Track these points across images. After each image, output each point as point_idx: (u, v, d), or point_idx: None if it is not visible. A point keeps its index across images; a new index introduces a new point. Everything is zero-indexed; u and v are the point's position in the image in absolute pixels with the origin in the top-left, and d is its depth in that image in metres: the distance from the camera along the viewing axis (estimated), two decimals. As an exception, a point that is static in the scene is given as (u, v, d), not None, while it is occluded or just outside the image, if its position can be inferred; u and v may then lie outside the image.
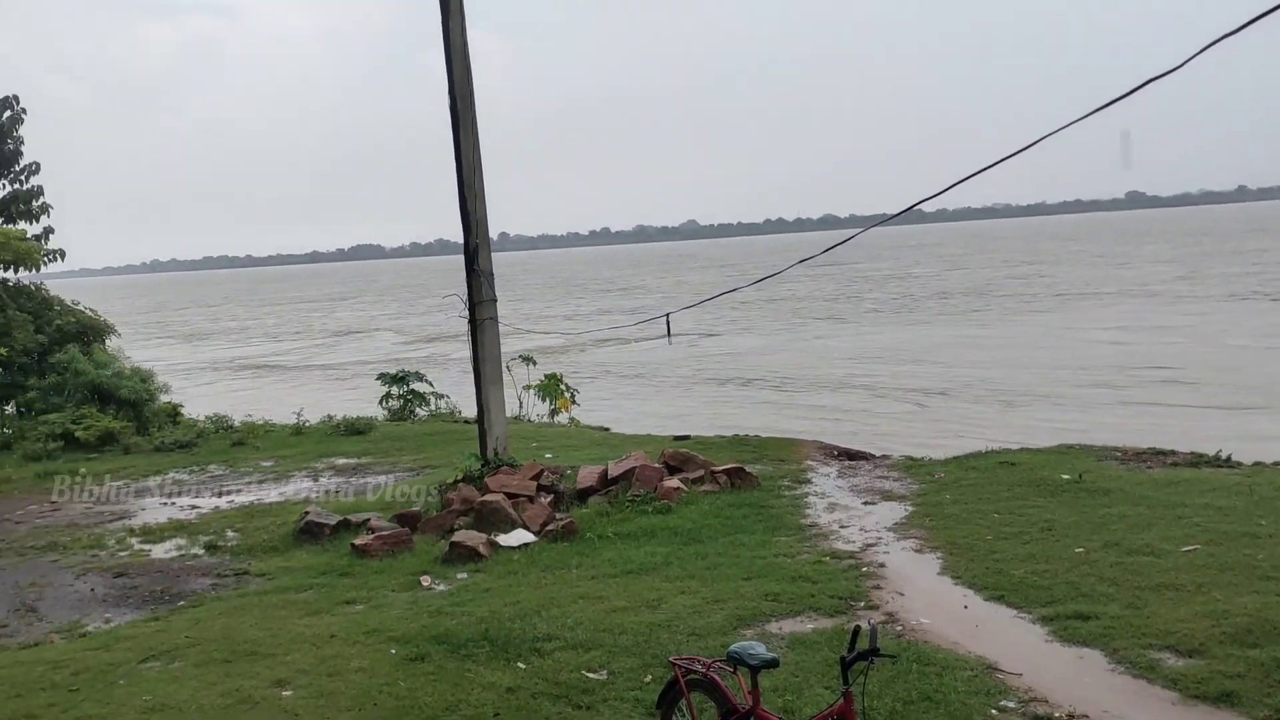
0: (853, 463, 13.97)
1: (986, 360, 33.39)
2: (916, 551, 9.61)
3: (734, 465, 12.71)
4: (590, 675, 7.02)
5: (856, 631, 4.57)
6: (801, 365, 35.78)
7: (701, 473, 12.49)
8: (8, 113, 25.29)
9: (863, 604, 8.19)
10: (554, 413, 21.16)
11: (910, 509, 11.15)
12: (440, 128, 13.21)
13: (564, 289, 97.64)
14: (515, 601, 8.72)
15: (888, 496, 11.82)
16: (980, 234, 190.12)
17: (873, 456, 14.47)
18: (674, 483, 11.97)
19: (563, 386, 21.08)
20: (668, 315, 12.97)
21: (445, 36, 12.54)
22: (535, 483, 12.11)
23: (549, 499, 11.86)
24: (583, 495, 12.09)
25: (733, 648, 4.95)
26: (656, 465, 12.41)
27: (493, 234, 13.38)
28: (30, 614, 9.73)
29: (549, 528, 10.96)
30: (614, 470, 12.32)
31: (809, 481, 12.74)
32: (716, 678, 5.09)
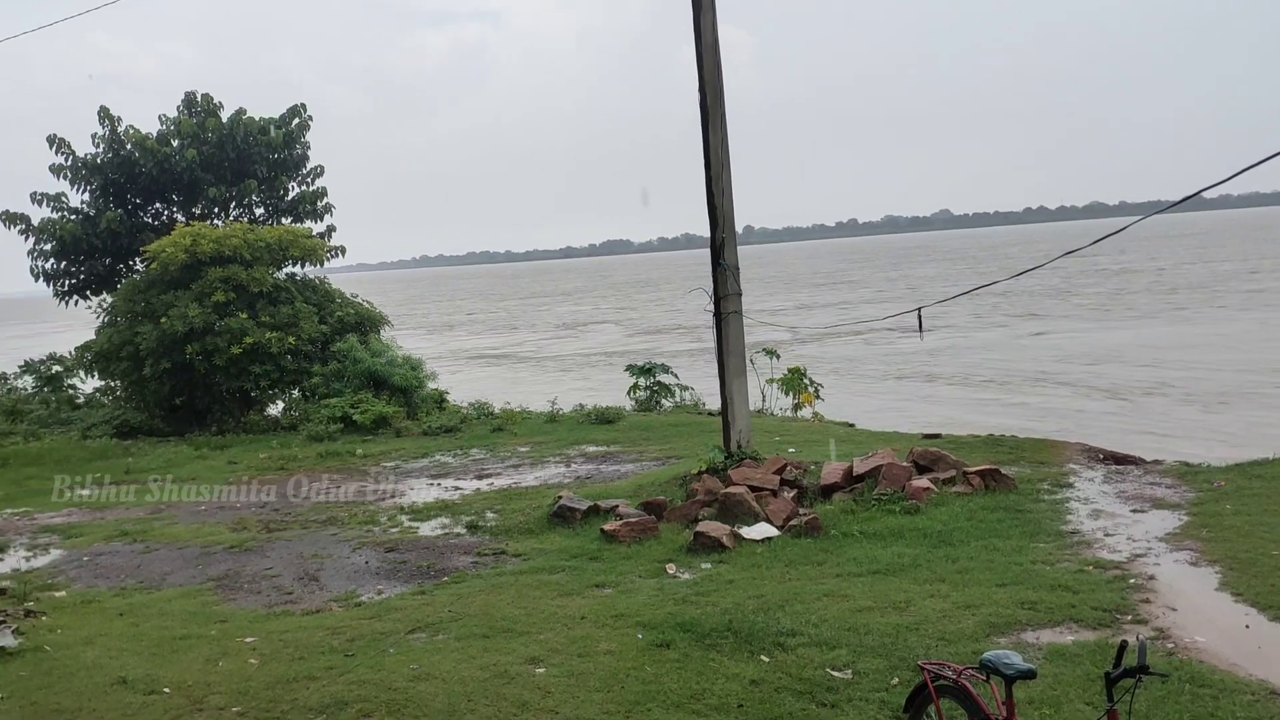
0: (1120, 467, 13.11)
1: (1188, 360, 31.06)
2: (1191, 564, 8.94)
3: (988, 466, 12.23)
4: (835, 674, 6.97)
5: (1123, 646, 4.33)
6: (1002, 362, 34.34)
7: (953, 473, 12.09)
8: (296, 120, 27.78)
9: (1129, 618, 7.70)
10: (797, 407, 21.04)
11: (1185, 518, 10.37)
12: (689, 124, 13.41)
13: (778, 283, 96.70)
14: (759, 595, 8.77)
15: (1159, 504, 11.03)
16: (1258, 223, 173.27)
17: (1143, 461, 13.54)
18: (923, 482, 11.65)
19: (806, 381, 20.92)
20: (919, 310, 12.64)
21: (696, 32, 12.72)
22: (778, 477, 12.09)
23: (792, 494, 11.82)
24: (826, 491, 11.96)
25: (986, 655, 4.79)
26: (904, 464, 12.12)
27: (738, 227, 13.45)
28: (312, 582, 10.62)
29: (792, 523, 10.93)
30: (859, 467, 12.12)
31: (1070, 485, 12.07)
32: (968, 685, 4.94)
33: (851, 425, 19.70)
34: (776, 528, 10.89)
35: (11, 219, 26.12)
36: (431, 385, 23.80)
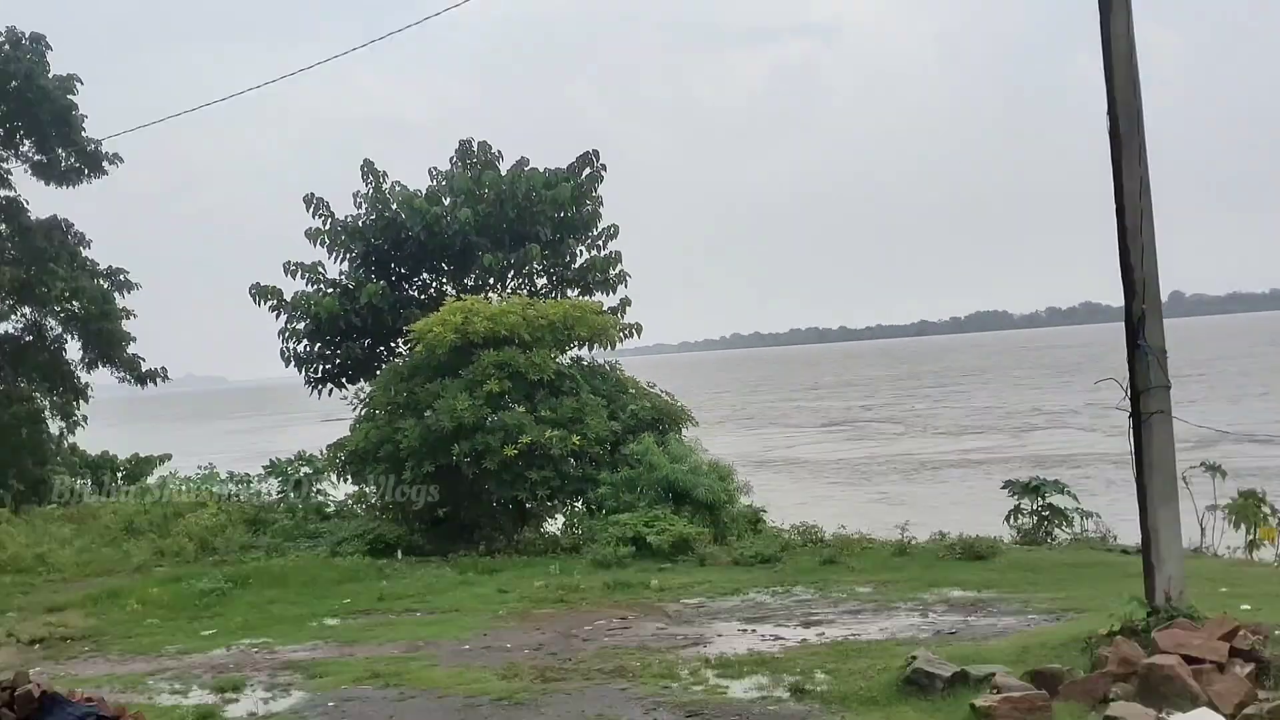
0: None
1: None
2: None
3: None
4: None
5: None
6: None
7: None
8: (587, 170, 28.83)
9: None
10: (1251, 545, 19.56)
11: None
12: (1090, 163, 12.98)
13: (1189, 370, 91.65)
14: (1201, 810, 8.11)
15: None
16: None
17: None
18: None
19: (1265, 509, 19.44)
20: None
21: (1104, 38, 12.30)
22: (1226, 644, 11.22)
23: (1248, 669, 10.92)
24: (1300, 668, 11.00)
25: None
26: None
27: (1163, 294, 12.81)
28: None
29: (1248, 710, 10.07)
30: (1350, 635, 11.07)
31: None
32: None
33: (1334, 573, 18.09)
34: (1225, 716, 10.10)
35: (262, 293, 28.54)
36: (744, 500, 23.94)
